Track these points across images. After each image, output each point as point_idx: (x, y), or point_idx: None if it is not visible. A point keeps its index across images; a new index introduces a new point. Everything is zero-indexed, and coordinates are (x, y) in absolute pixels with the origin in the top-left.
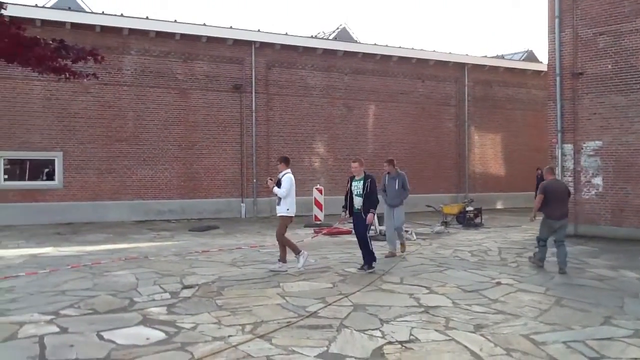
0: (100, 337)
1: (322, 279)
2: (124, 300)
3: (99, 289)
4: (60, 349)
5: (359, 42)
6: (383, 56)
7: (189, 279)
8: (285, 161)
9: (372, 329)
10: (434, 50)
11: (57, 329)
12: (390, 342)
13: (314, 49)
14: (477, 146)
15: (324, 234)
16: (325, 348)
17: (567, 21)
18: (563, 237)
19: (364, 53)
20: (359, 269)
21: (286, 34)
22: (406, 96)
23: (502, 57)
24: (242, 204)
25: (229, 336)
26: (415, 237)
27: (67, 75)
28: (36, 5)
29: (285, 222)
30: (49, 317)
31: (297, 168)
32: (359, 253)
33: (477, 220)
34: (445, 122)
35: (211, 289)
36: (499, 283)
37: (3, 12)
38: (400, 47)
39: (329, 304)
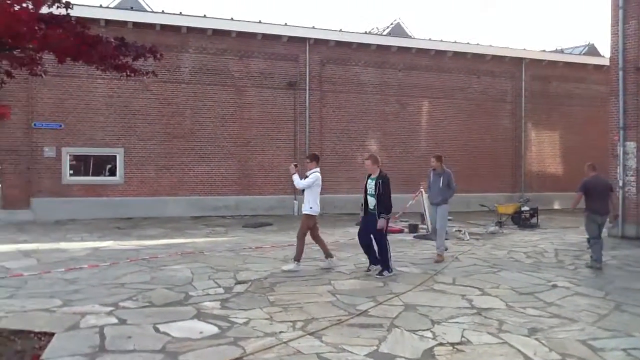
0: (157, 330)
1: (373, 277)
2: (180, 294)
3: (156, 282)
4: (119, 340)
5: (413, 38)
6: (437, 51)
7: (242, 275)
8: (316, 159)
9: (423, 330)
10: (490, 45)
11: (116, 320)
12: (441, 344)
13: (368, 45)
14: (534, 144)
15: None
16: (375, 347)
17: (632, 12)
18: (600, 232)
19: (417, 48)
20: (366, 270)
21: (340, 31)
22: (461, 92)
23: (562, 51)
24: (294, 201)
25: (280, 332)
26: (468, 237)
27: (128, 73)
28: (100, 6)
29: (309, 221)
30: (108, 309)
31: (349, 165)
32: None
33: (533, 220)
34: (501, 119)
35: (263, 285)
36: (555, 286)
37: (69, 12)
38: (455, 42)
39: (380, 303)
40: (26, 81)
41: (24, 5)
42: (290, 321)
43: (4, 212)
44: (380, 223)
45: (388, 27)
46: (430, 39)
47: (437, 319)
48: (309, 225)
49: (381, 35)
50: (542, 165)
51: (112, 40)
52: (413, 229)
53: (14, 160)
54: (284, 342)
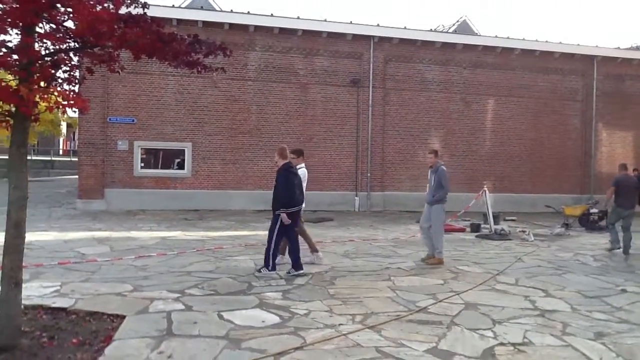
0: (221, 317)
1: (433, 275)
2: (243, 283)
3: (220, 272)
4: (185, 325)
5: (479, 35)
6: (504, 49)
7: (304, 268)
8: (302, 154)
9: (484, 329)
10: (560, 42)
11: (183, 307)
12: (502, 344)
13: (433, 43)
14: (605, 144)
15: None
16: (435, 344)
17: None
18: (629, 225)
19: (484, 46)
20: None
21: (405, 28)
22: (527, 90)
23: (638, 48)
24: (356, 198)
25: (340, 325)
26: (532, 238)
27: (199, 69)
28: (173, 6)
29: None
30: (175, 295)
31: (412, 163)
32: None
33: (602, 223)
34: (569, 118)
35: (324, 278)
36: (624, 290)
37: (146, 11)
38: (523, 40)
39: (440, 301)
40: (103, 78)
41: (105, 5)
42: (350, 314)
43: (81, 201)
44: (283, 217)
45: (454, 24)
46: (496, 36)
47: (499, 318)
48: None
49: (446, 32)
50: (613, 167)
51: (186, 37)
52: (475, 228)
53: (90, 153)
54: (344, 335)
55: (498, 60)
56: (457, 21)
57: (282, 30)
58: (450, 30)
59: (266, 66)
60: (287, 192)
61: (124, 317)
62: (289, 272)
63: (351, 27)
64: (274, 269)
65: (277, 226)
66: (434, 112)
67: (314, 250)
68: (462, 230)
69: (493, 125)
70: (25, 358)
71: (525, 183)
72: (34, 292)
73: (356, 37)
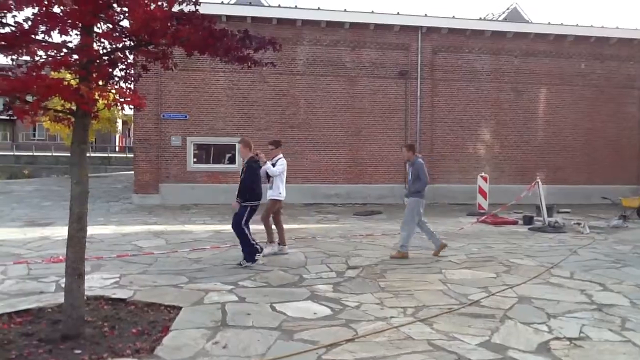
0: (273, 309)
1: (485, 268)
2: (295, 276)
3: (272, 264)
4: (239, 316)
5: (531, 22)
6: (557, 36)
7: (354, 260)
8: (280, 145)
9: (538, 323)
10: (617, 27)
11: (236, 298)
12: (557, 338)
13: (482, 32)
14: None
15: (488, 223)
16: (487, 337)
17: None
18: None
19: (535, 33)
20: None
21: (453, 17)
22: (582, 78)
23: None
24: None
25: (391, 317)
26: (588, 230)
27: (249, 64)
28: (222, 2)
29: (274, 206)
30: (229, 287)
31: (461, 155)
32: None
33: None
34: (627, 106)
35: (374, 271)
36: None
37: (197, 8)
38: (577, 26)
39: (492, 294)
40: (156, 75)
41: (159, 4)
42: (401, 307)
43: (137, 196)
44: (233, 204)
45: (504, 12)
46: (549, 23)
47: (554, 312)
48: (273, 210)
49: (496, 21)
50: None
51: (237, 33)
52: (528, 220)
53: (145, 149)
54: (395, 327)
55: (551, 48)
56: (508, 9)
57: (330, 23)
58: (500, 19)
59: (314, 60)
60: (248, 185)
61: (180, 308)
62: (240, 264)
63: (398, 18)
64: (262, 250)
65: (244, 218)
66: (483, 102)
67: (282, 242)
68: (514, 222)
69: (546, 115)
70: (88, 346)
71: (579, 174)
72: (95, 283)
73: (404, 28)
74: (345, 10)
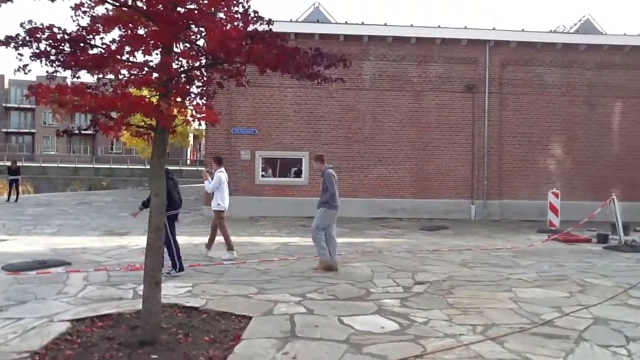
0: (341, 321)
1: (558, 287)
2: (361, 290)
3: (338, 277)
4: (307, 328)
5: (605, 34)
6: (633, 47)
7: (421, 276)
8: (218, 161)
9: (616, 346)
10: None
11: (304, 310)
12: None
13: (553, 44)
14: None
15: (559, 241)
16: (562, 359)
17: None
18: None
19: (610, 45)
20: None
21: (522, 31)
22: None
23: None
24: (471, 206)
25: (460, 334)
26: None
27: (319, 81)
28: (290, 20)
29: (219, 215)
30: (297, 299)
31: (531, 170)
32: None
33: None
34: None
35: (442, 287)
36: None
37: (270, 27)
38: None
39: (566, 314)
40: (227, 92)
41: (235, 24)
42: (470, 324)
43: (207, 208)
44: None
45: (576, 24)
46: (625, 34)
47: (633, 336)
48: (221, 217)
49: (567, 33)
50: None
51: (309, 50)
52: (603, 239)
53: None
54: (465, 345)
55: (626, 60)
56: (580, 20)
57: (396, 38)
58: (572, 31)
59: (380, 75)
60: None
61: (250, 318)
62: (168, 273)
63: (466, 32)
64: (182, 269)
65: (168, 229)
66: (554, 116)
67: (229, 248)
68: (587, 240)
69: (621, 129)
70: (164, 352)
71: None
72: (169, 291)
73: (471, 42)
74: (411, 26)
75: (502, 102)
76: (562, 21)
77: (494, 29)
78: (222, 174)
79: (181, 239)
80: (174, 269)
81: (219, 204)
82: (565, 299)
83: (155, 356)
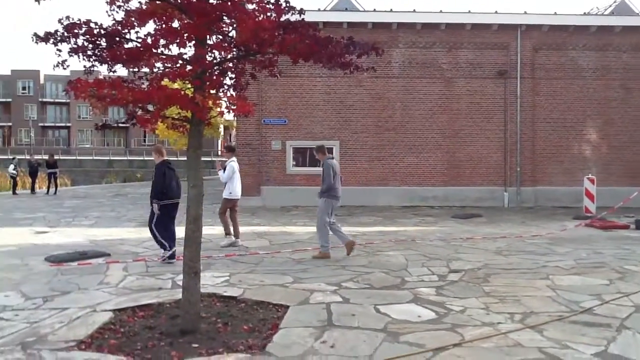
0: (377, 310)
1: (596, 274)
2: (396, 278)
3: (373, 266)
4: (344, 317)
5: None
6: None
7: (455, 264)
8: (231, 150)
9: None
10: None
11: (340, 299)
12: None
13: (587, 27)
14: None
15: (596, 227)
16: (604, 347)
17: None
18: None
19: None
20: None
21: (555, 14)
22: None
23: None
24: (505, 193)
25: (498, 323)
26: None
27: (351, 70)
28: (319, 9)
29: (227, 204)
30: (333, 288)
31: (565, 156)
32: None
33: None
34: None
35: (477, 275)
36: None
37: (303, 17)
38: None
39: (606, 302)
40: (257, 82)
41: (268, 14)
42: (508, 313)
43: (241, 198)
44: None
45: (610, 5)
46: None
47: None
48: (228, 207)
49: (602, 15)
50: None
51: (341, 39)
52: None
53: (248, 153)
54: (503, 333)
55: None
56: (615, 2)
57: (425, 25)
58: (607, 12)
59: (410, 62)
60: (157, 185)
61: (287, 307)
62: (163, 259)
63: (496, 17)
64: (171, 250)
65: (155, 217)
66: (589, 100)
67: (236, 236)
68: (625, 227)
69: None
70: (205, 341)
71: None
72: (207, 281)
73: (502, 27)
74: (441, 12)
75: (535, 87)
76: (596, 3)
77: (525, 12)
78: (234, 164)
79: (216, 230)
80: (165, 253)
81: (230, 193)
82: (605, 287)
83: (196, 345)
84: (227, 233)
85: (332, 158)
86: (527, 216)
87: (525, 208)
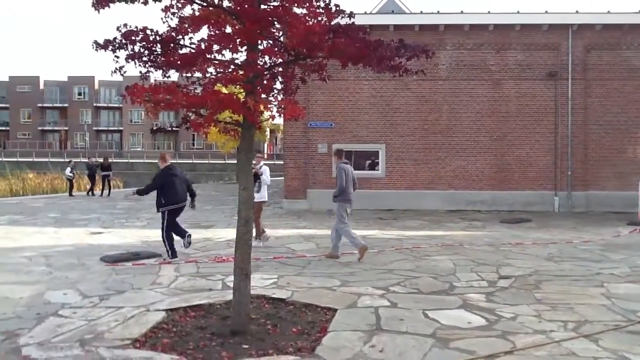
0: (426, 315)
1: None
2: (445, 283)
3: (420, 270)
4: (393, 321)
5: None
6: None
7: (505, 270)
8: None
9: None
10: None
11: (388, 303)
12: None
13: None
14: None
15: None
16: None
17: None
18: None
19: None
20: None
21: (608, 12)
22: None
23: None
24: (555, 197)
25: (551, 331)
26: None
27: (400, 73)
28: (365, 12)
29: (259, 207)
30: (380, 292)
31: (619, 160)
32: None
33: None
34: None
35: (528, 281)
36: None
37: (353, 20)
38: None
39: None
40: (304, 86)
41: (319, 18)
42: (561, 321)
43: (286, 201)
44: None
45: None
46: None
47: None
48: (259, 209)
49: None
50: None
51: (392, 42)
52: None
53: (294, 156)
54: (556, 342)
55: None
56: None
57: (473, 26)
58: None
59: (457, 64)
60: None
61: (335, 310)
62: (165, 259)
63: (546, 17)
64: (175, 255)
65: (165, 223)
66: None
67: (257, 236)
68: None
69: None
70: (254, 342)
71: None
72: (256, 283)
73: (552, 27)
74: (489, 12)
75: (587, 88)
76: None
77: (577, 12)
78: (267, 167)
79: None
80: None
81: (262, 196)
82: None
83: (246, 346)
84: (261, 233)
85: (347, 163)
86: (579, 221)
87: (577, 213)
